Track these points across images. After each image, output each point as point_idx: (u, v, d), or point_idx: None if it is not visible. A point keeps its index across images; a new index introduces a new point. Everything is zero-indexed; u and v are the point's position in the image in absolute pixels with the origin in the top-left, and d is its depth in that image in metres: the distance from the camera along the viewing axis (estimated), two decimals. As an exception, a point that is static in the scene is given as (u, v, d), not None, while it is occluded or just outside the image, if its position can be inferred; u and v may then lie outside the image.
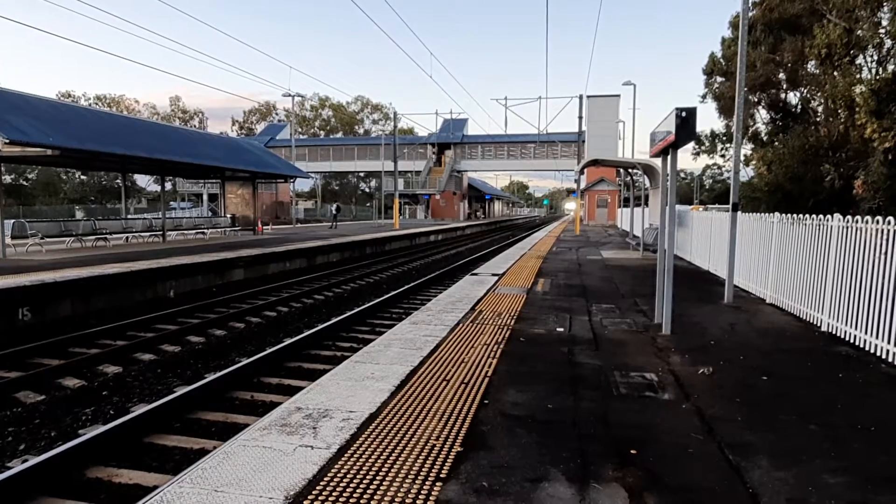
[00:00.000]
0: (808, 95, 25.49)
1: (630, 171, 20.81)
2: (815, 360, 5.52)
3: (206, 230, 24.45)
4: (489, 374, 4.83)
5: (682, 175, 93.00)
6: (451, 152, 59.60)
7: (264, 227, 30.31)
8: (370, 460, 3.19)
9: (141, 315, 10.09)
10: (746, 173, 30.74)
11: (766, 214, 8.86)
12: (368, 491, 2.86)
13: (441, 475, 3.03)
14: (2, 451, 5.00)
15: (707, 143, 35.54)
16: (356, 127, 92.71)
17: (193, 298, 12.14)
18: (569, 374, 4.87)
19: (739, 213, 9.16)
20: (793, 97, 26.74)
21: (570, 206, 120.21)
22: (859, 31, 19.25)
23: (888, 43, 19.78)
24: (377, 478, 2.99)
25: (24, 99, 15.40)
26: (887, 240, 5.46)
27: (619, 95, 49.85)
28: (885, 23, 19.04)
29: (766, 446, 3.46)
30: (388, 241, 25.59)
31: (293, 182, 39.18)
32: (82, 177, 64.77)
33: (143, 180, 63.32)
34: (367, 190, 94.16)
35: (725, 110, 27.74)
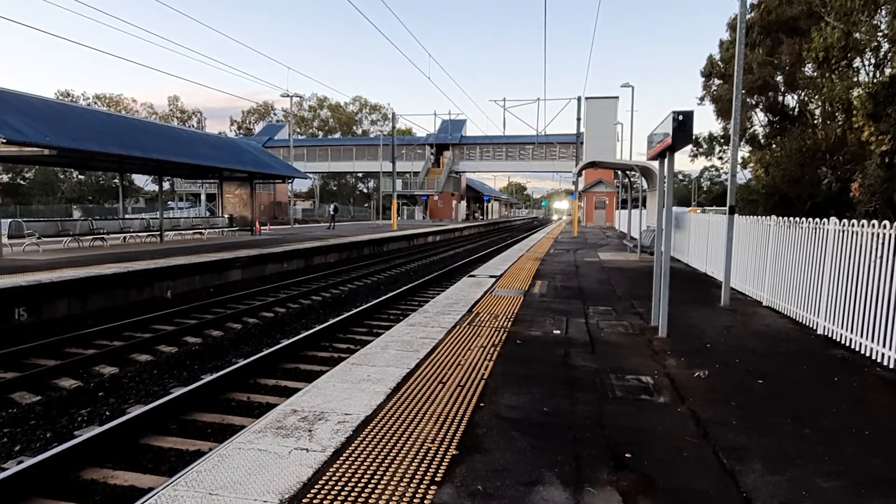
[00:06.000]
0: (806, 98, 25.57)
1: (628, 172, 20.86)
2: (810, 363, 5.53)
3: (203, 230, 24.42)
4: (485, 376, 4.84)
5: (680, 177, 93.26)
6: (450, 153, 59.66)
7: (262, 228, 30.30)
8: (365, 463, 3.19)
9: (138, 315, 10.07)
10: (744, 176, 30.85)
11: (763, 217, 8.89)
12: (363, 494, 2.86)
13: (436, 478, 3.03)
14: (-3, 452, 4.98)
15: (705, 146, 35.66)
16: (354, 127, 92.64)
17: (191, 299, 12.12)
18: (565, 377, 4.87)
19: (736, 215, 9.19)
20: (790, 100, 26.84)
21: (562, 205, 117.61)
22: (857, 34, 19.31)
23: (885, 46, 19.85)
24: (372, 481, 2.99)
25: (21, 98, 15.35)
26: (883, 243, 5.48)
27: (617, 97, 50.04)
28: (882, 26, 19.12)
29: (760, 450, 3.47)
30: (385, 242, 25.59)
31: (291, 182, 39.16)
32: (80, 176, 64.62)
33: (141, 180, 63.10)
34: (366, 190, 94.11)
35: (723, 112, 27.82)
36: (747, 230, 9.46)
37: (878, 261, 5.51)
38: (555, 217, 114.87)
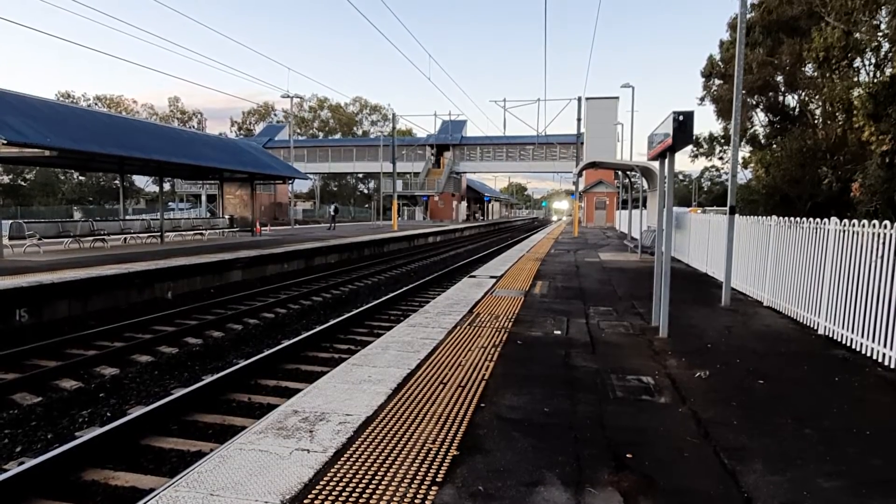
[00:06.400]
0: (806, 98, 25.56)
1: (628, 173, 20.86)
2: (811, 363, 5.53)
3: (204, 231, 24.43)
4: (486, 377, 4.84)
5: (681, 177, 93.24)
6: (450, 153, 59.66)
7: (262, 228, 30.31)
8: (366, 464, 3.19)
9: (138, 316, 10.08)
10: (745, 175, 30.82)
11: (764, 217, 8.88)
12: (364, 495, 2.86)
13: (437, 479, 3.03)
14: (-2, 453, 4.99)
15: (705, 146, 35.63)
16: (355, 128, 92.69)
17: (191, 300, 12.12)
18: (565, 378, 4.87)
19: (737, 215, 9.19)
20: (791, 100, 26.83)
21: (562, 205, 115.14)
22: (857, 34, 19.31)
23: (886, 46, 19.84)
24: (373, 482, 2.99)
25: (21, 99, 15.37)
26: (884, 244, 5.48)
27: (617, 97, 50.01)
28: (883, 26, 19.11)
29: (761, 450, 3.47)
30: (386, 243, 25.59)
31: (291, 183, 39.20)
32: (80, 177, 64.66)
33: (142, 181, 63.31)
34: (366, 191, 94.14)
35: (724, 113, 27.82)
36: (748, 230, 9.46)
37: (879, 261, 5.51)
38: (554, 218, 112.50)
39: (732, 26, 26.24)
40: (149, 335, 9.03)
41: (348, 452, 3.32)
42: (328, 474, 3.06)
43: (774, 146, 26.19)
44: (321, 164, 63.88)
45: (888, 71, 18.83)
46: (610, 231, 36.24)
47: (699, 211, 31.55)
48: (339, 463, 3.19)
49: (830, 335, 6.49)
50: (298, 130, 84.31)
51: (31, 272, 10.96)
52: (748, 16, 22.76)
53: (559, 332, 6.60)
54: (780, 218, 8.14)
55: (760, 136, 28.32)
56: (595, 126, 46.75)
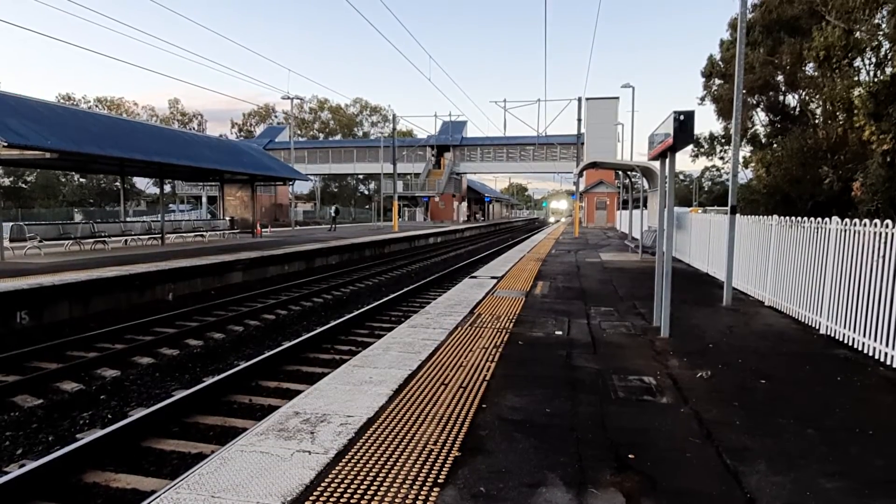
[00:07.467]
0: (807, 98, 25.52)
1: (629, 173, 20.85)
2: (813, 363, 5.52)
3: (204, 233, 24.44)
4: (487, 377, 4.83)
5: (681, 177, 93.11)
6: (451, 154, 59.67)
7: (263, 230, 30.30)
8: (368, 465, 3.18)
9: (139, 318, 10.08)
10: (745, 175, 30.75)
11: (765, 217, 8.87)
12: (366, 496, 2.85)
13: (439, 480, 3.02)
14: (-1, 455, 4.99)
15: (706, 146, 35.55)
16: (355, 129, 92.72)
17: (192, 301, 12.12)
18: (567, 378, 4.86)
19: (738, 215, 9.17)
20: (791, 99, 26.78)
21: (560, 205, 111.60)
22: (858, 34, 19.28)
23: (886, 45, 19.82)
24: (375, 483, 2.99)
25: (22, 102, 15.39)
26: (885, 243, 5.47)
27: (617, 98, 49.99)
28: (883, 25, 19.08)
29: (763, 451, 3.46)
30: (387, 244, 25.59)
31: (292, 184, 39.21)
32: (81, 179, 64.66)
33: (142, 183, 63.28)
34: (366, 192, 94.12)
35: (724, 112, 27.77)
36: (749, 230, 9.44)
37: (881, 260, 5.50)
38: (552, 219, 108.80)
39: (733, 26, 26.22)
40: (150, 337, 9.03)
41: (350, 454, 3.32)
42: (329, 476, 3.05)
43: (775, 146, 26.14)
44: (321, 166, 63.92)
45: (889, 70, 18.81)
46: (610, 231, 36.23)
47: (700, 211, 31.54)
48: (340, 464, 3.19)
49: (832, 335, 6.47)
50: (299, 132, 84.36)
51: (31, 274, 10.97)
52: (749, 15, 22.77)
53: (560, 333, 6.59)
54: (782, 217, 8.13)
55: (761, 136, 28.28)
56: (595, 126, 46.73)
